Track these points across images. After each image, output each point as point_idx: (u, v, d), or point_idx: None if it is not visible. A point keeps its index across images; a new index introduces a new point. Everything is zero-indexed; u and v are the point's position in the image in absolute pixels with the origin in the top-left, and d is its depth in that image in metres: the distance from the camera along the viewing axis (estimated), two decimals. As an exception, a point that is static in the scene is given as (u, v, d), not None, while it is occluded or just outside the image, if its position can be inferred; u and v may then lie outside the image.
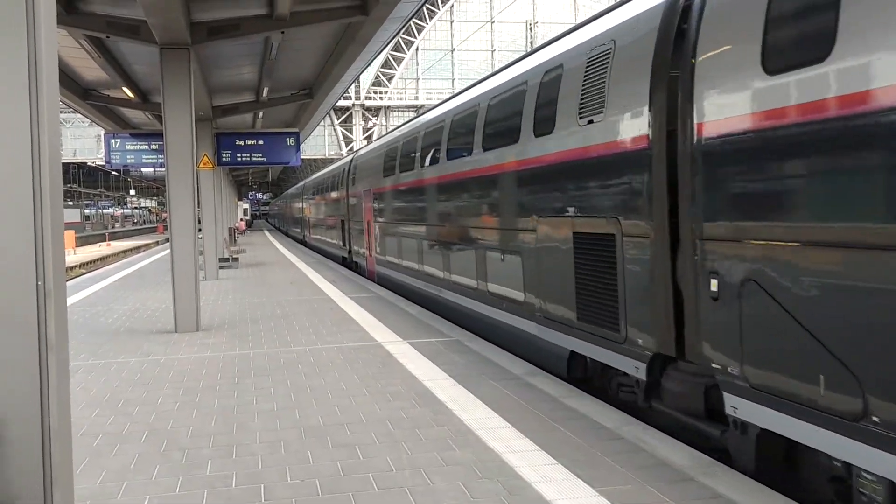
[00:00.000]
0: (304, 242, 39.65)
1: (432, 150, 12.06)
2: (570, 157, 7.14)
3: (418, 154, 12.97)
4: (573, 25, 8.27)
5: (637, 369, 6.08)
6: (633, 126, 6.05)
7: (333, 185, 25.62)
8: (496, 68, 11.01)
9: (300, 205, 42.07)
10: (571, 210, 7.10)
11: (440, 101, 13.81)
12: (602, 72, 6.60)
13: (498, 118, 9.26)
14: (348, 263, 22.64)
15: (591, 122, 6.70)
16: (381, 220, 16.43)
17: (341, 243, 23.95)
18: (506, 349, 8.77)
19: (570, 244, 7.12)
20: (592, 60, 6.82)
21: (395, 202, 15.06)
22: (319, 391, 7.12)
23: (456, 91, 13.90)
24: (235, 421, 6.22)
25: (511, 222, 8.66)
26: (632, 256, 6.10)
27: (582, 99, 6.91)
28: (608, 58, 6.53)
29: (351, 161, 22.25)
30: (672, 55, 5.66)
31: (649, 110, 5.82)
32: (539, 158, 7.84)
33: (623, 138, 6.20)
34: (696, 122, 5.15)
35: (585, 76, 6.91)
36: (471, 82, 12.35)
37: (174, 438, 5.79)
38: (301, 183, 46.38)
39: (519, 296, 8.51)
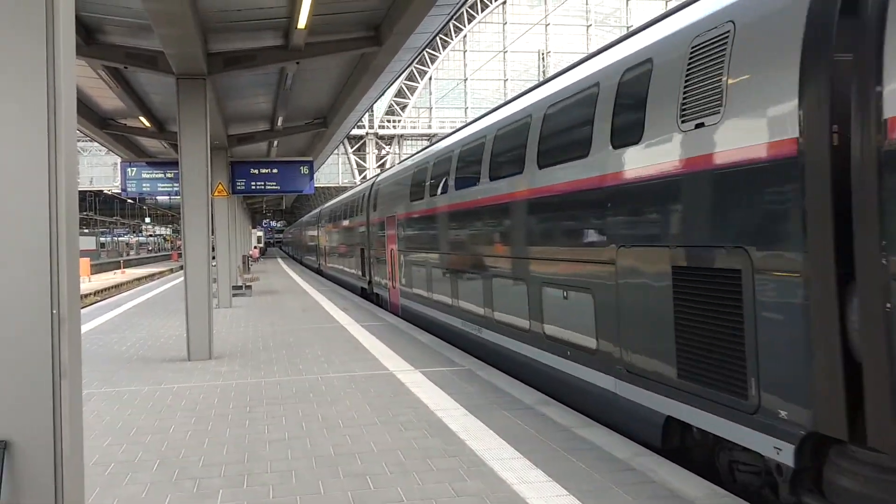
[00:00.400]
0: (319, 271, 37.68)
1: (471, 170, 10.71)
2: (665, 172, 5.79)
3: (453, 175, 11.58)
4: (662, 13, 6.77)
5: (779, 452, 4.61)
6: (771, 127, 4.71)
7: (352, 212, 23.95)
8: (556, 71, 9.34)
9: (315, 232, 40.13)
10: (669, 238, 5.75)
11: (480, 115, 12.12)
12: (716, 62, 5.29)
13: (560, 128, 7.94)
14: (368, 295, 21.07)
15: (699, 125, 5.39)
16: (407, 248, 15.04)
17: (360, 273, 22.29)
18: (571, 406, 7.41)
19: (666, 281, 5.71)
20: (699, 49, 5.51)
21: (424, 229, 13.69)
22: (331, 420, 7.10)
23: (501, 102, 12.27)
24: (247, 450, 6.20)
25: (578, 252, 7.29)
26: (769, 298, 4.68)
27: (685, 98, 5.60)
28: (725, 43, 5.22)
29: (372, 186, 20.65)
30: (837, 32, 4.33)
31: (800, 105, 4.47)
32: (618, 175, 6.47)
33: (754, 144, 4.84)
34: (886, 116, 3.94)
35: (689, 69, 5.58)
36: (517, 93, 10.99)
37: (186, 467, 5.79)
38: (317, 210, 43.95)
39: (589, 342, 7.08)
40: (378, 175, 21.42)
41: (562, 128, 7.90)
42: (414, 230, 14.47)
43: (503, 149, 9.51)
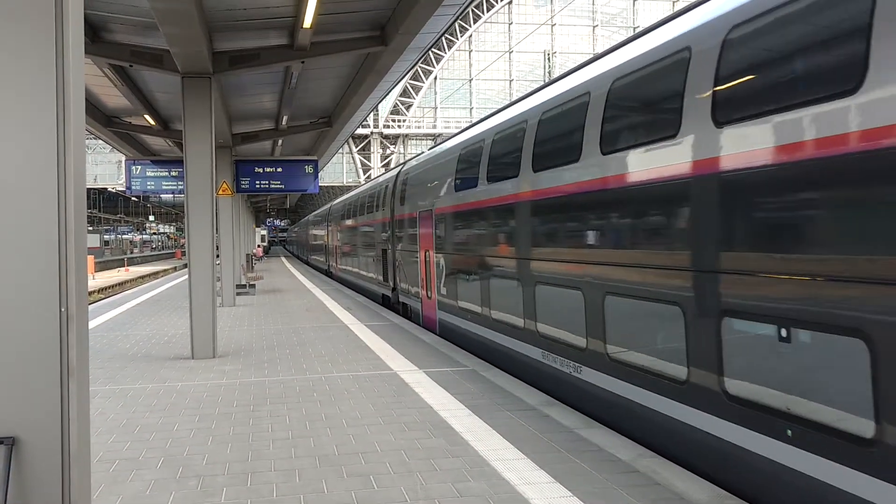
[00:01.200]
0: (328, 273, 34.30)
1: (564, 143, 7.76)
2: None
3: (529, 152, 8.57)
4: None
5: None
6: None
7: (372, 207, 20.37)
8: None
9: (325, 230, 35.60)
10: None
11: (577, 66, 8.47)
12: None
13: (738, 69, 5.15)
14: (392, 304, 17.84)
15: None
16: (453, 251, 11.77)
17: (382, 278, 18.80)
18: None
19: None
20: None
21: (477, 226, 10.59)
22: (334, 419, 7.11)
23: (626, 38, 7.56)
24: (250, 448, 6.22)
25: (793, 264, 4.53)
26: None
27: None
28: None
29: (398, 176, 17.02)
30: None
31: None
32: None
33: None
34: None
35: None
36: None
37: (190, 465, 5.80)
38: (326, 206, 38.49)
39: (774, 399, 4.70)
40: (406, 162, 17.38)
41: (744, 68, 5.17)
42: (462, 228, 11.33)
43: (632, 106, 6.71)
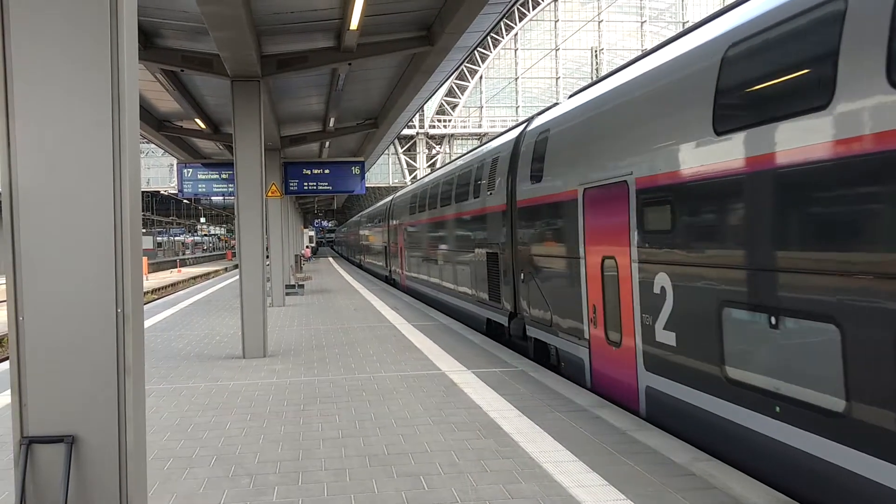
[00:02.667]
0: (391, 281, 27.91)
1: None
2: None
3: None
4: None
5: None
6: None
7: (466, 191, 14.25)
8: None
9: (384, 228, 28.74)
10: None
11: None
12: None
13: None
14: (508, 335, 11.86)
15: None
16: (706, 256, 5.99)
17: (487, 295, 12.72)
18: None
19: None
20: None
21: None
22: (383, 419, 7.12)
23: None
24: (301, 447, 6.26)
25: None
26: None
27: None
28: None
29: (522, 135, 11.15)
30: None
31: None
32: None
33: None
34: None
35: None
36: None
37: (242, 463, 5.86)
38: (387, 198, 31.27)
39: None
40: (549, 109, 10.73)
41: None
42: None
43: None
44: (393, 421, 7.05)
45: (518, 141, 11.22)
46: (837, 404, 4.53)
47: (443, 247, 16.73)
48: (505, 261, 11.58)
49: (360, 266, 44.71)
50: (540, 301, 9.97)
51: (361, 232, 43.13)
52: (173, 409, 7.78)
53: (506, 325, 11.76)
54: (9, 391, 3.34)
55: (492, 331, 13.01)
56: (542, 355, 10.22)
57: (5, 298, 3.27)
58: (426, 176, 20.89)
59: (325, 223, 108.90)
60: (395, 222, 25.56)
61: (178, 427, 7.06)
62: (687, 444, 6.02)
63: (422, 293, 20.33)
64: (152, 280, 44.64)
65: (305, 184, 19.21)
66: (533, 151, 10.16)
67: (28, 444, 3.21)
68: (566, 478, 5.27)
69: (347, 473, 5.55)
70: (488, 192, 12.48)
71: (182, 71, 12.01)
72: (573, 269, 8.67)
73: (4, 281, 3.31)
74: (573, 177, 8.66)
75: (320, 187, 19.28)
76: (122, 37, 3.21)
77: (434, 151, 76.44)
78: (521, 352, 11.23)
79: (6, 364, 10.12)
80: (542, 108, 10.76)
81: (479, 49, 50.48)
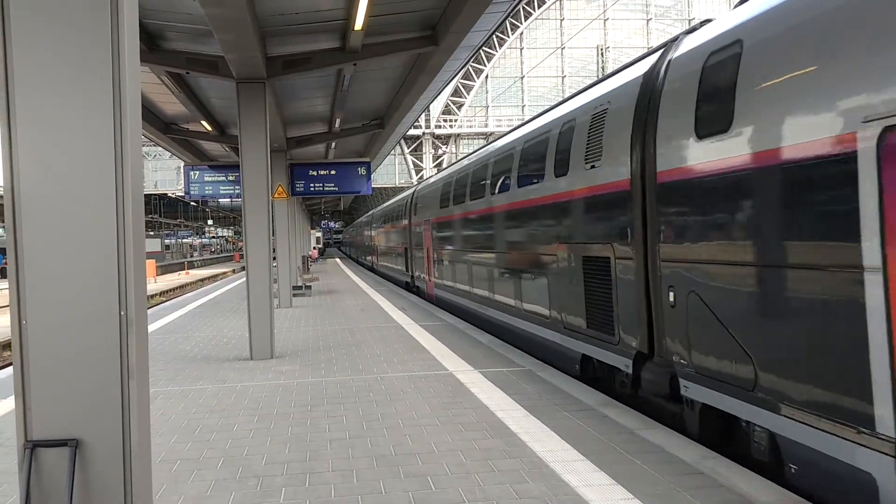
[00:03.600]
0: (412, 289, 23.25)
1: None
2: None
3: None
4: None
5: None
6: None
7: (537, 169, 10.09)
8: None
9: (406, 226, 23.67)
10: None
11: None
12: None
13: None
14: (634, 392, 7.67)
15: None
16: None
17: (605, 329, 8.01)
18: None
19: None
20: None
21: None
22: (391, 420, 7.11)
23: None
24: (308, 449, 6.25)
25: None
26: None
27: None
28: None
29: (664, 68, 7.11)
30: None
31: None
32: None
33: None
34: None
35: None
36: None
37: (249, 465, 5.86)
38: (408, 191, 26.21)
39: None
40: (693, 32, 7.05)
41: None
42: None
43: None
44: (400, 421, 7.04)
45: (653, 77, 7.31)
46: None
47: (496, 247, 12.29)
48: (627, 268, 7.38)
49: (371, 269, 39.77)
50: (721, 340, 5.85)
51: (374, 231, 37.44)
52: (181, 411, 7.78)
53: (627, 369, 7.46)
54: (13, 395, 3.34)
55: (589, 372, 8.73)
56: (719, 431, 6.33)
57: (8, 303, 3.27)
58: (462, 158, 17.11)
59: (332, 224, 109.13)
60: (419, 218, 20.94)
61: (186, 429, 7.06)
62: (694, 442, 5.99)
63: (459, 307, 15.92)
64: (160, 282, 44.77)
65: (312, 185, 19.23)
66: (700, 85, 6.22)
67: (32, 448, 3.21)
68: (574, 477, 5.25)
69: (355, 474, 5.54)
70: (586, 167, 8.34)
71: (187, 73, 12.04)
72: (838, 286, 4.56)
73: (7, 286, 3.30)
74: (840, 110, 4.56)
75: (326, 188, 19.30)
76: (122, 39, 3.21)
77: (440, 151, 76.42)
78: (652, 414, 7.39)
79: (11, 369, 10.14)
80: (688, 28, 7.21)
81: (484, 48, 50.45)
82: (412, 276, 23.25)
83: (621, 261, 7.52)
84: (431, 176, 21.83)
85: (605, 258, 7.88)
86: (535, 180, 10.11)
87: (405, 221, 24.03)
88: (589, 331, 8.42)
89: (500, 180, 12.00)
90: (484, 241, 13.13)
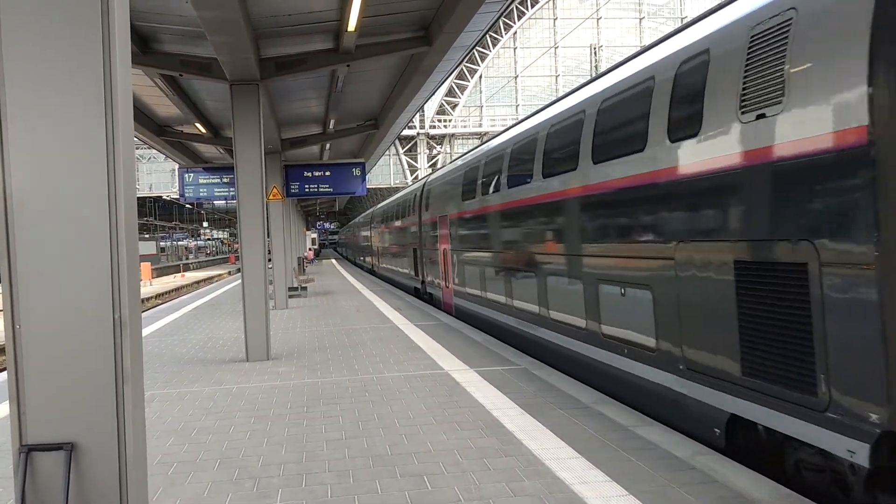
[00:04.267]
0: (423, 296, 20.63)
1: None
2: None
3: None
4: None
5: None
6: None
7: (624, 139, 7.27)
8: None
9: (416, 223, 20.90)
10: None
11: None
12: None
13: None
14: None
15: None
16: None
17: (805, 381, 4.80)
18: None
19: None
20: None
21: None
22: (387, 419, 7.12)
23: None
24: (305, 449, 6.26)
25: None
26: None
27: None
28: None
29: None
30: None
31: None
32: None
33: None
34: None
35: None
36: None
37: (246, 467, 5.87)
38: (419, 182, 23.45)
39: None
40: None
41: None
42: None
43: None
44: (396, 421, 7.05)
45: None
46: None
47: (557, 249, 9.32)
48: (848, 283, 4.48)
49: (371, 272, 36.24)
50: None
51: (375, 231, 33.53)
52: (177, 414, 7.78)
53: (851, 458, 4.43)
54: (7, 400, 3.35)
55: (742, 441, 5.83)
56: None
57: (1, 308, 3.27)
58: (493, 137, 13.85)
59: (327, 225, 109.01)
60: (432, 214, 18.13)
61: (182, 431, 7.06)
62: (688, 438, 6.01)
63: (492, 322, 12.95)
64: (156, 285, 44.68)
65: (306, 186, 19.20)
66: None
67: (27, 452, 3.22)
68: (569, 474, 5.27)
69: (351, 474, 5.55)
70: (745, 118, 5.33)
71: (181, 75, 12.03)
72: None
73: (0, 290, 3.31)
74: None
75: (321, 189, 19.27)
76: (114, 40, 3.21)
77: (435, 151, 76.41)
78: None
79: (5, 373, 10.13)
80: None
81: (478, 48, 50.41)
82: (423, 282, 20.48)
83: (834, 269, 4.55)
84: (447, 164, 19.06)
85: (794, 266, 4.90)
86: (631, 151, 7.09)
87: (413, 219, 21.33)
88: (748, 380, 5.43)
89: (562, 157, 9.02)
90: (535, 239, 10.14)
